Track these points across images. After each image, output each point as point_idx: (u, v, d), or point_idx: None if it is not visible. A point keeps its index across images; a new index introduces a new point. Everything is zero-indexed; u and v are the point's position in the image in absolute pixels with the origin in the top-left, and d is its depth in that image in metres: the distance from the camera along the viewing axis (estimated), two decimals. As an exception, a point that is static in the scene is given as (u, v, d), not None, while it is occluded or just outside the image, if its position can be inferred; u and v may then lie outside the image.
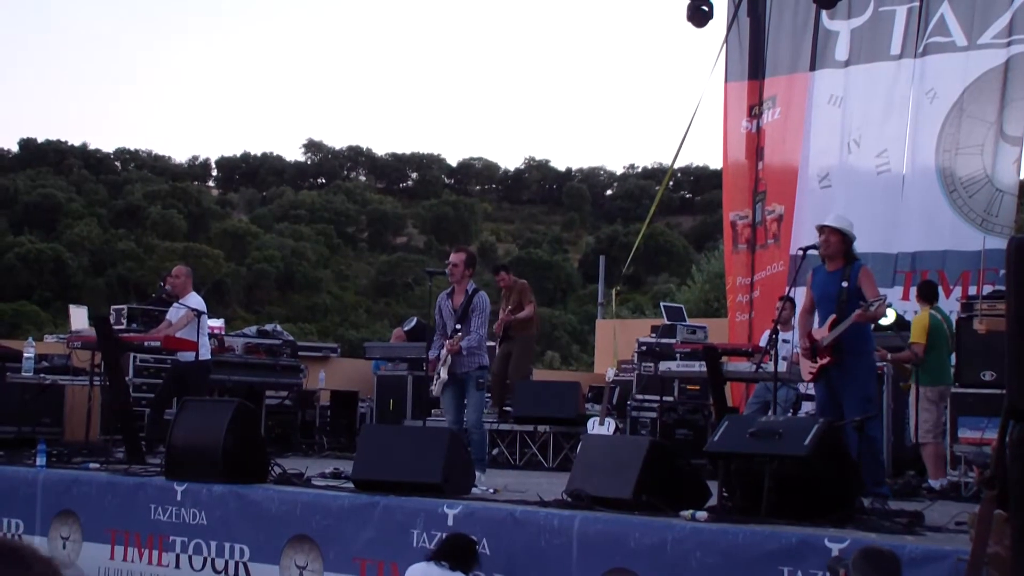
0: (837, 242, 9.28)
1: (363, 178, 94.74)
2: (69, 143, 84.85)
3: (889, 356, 11.46)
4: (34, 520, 10.08)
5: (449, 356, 10.12)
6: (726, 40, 16.83)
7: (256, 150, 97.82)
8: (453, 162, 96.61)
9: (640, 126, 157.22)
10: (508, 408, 14.39)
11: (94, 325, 12.00)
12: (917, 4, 15.12)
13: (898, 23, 15.26)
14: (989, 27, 14.47)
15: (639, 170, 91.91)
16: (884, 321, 11.34)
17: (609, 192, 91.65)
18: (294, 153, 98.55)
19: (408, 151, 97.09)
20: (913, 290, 14.22)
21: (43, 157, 79.65)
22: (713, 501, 7.85)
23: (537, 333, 15.60)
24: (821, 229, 9.42)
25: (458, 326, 10.19)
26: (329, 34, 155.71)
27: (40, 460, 10.43)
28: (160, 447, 10.75)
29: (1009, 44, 14.34)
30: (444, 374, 10.18)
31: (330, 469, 10.48)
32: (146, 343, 12.10)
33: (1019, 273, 5.45)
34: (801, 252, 10.05)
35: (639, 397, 14.61)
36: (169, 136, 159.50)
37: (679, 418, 13.93)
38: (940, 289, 12.98)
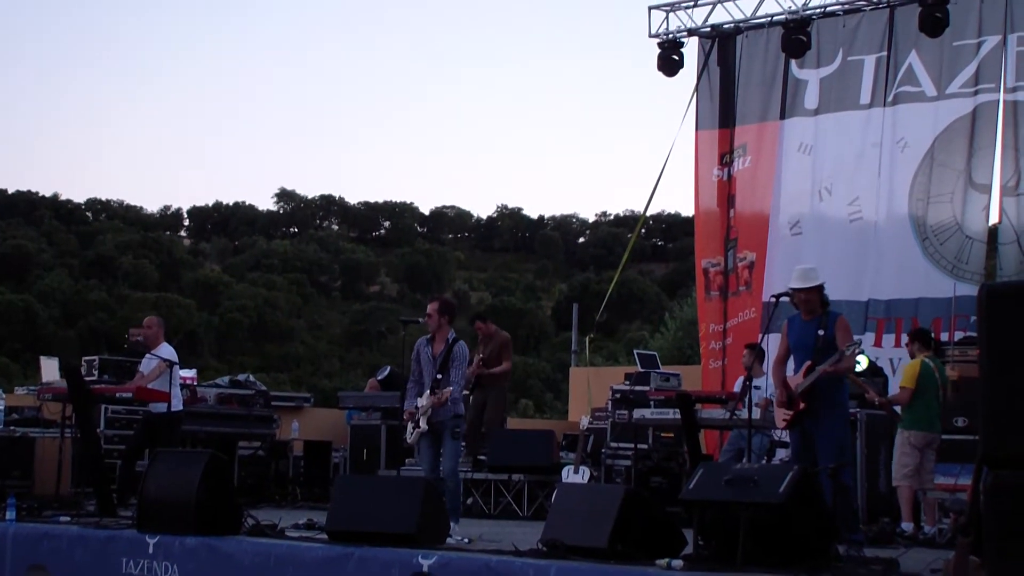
0: (816, 297, 9.37)
1: (336, 227, 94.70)
2: (40, 193, 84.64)
3: (878, 400, 11.44)
4: (3, 575, 9.96)
5: (430, 407, 10.11)
6: (696, 89, 17.00)
7: (228, 199, 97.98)
8: (426, 210, 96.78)
9: (612, 174, 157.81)
10: (482, 457, 14.34)
11: (65, 376, 11.93)
12: (885, 54, 15.30)
13: (867, 72, 15.44)
14: (956, 76, 14.67)
15: (611, 218, 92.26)
16: (857, 368, 11.39)
17: (582, 240, 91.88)
18: (266, 202, 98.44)
19: (381, 200, 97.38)
20: (886, 337, 14.34)
21: (13, 208, 79.30)
22: (688, 549, 7.83)
23: (509, 381, 15.57)
24: (798, 292, 9.44)
25: (439, 375, 10.18)
26: (300, 83, 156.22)
27: (10, 514, 10.30)
28: (132, 499, 10.66)
29: (976, 93, 14.54)
30: (424, 424, 10.16)
31: (304, 520, 10.43)
32: (117, 394, 12.03)
33: (991, 320, 5.49)
34: (774, 299, 10.10)
35: (613, 445, 14.59)
36: (141, 186, 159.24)
37: (654, 466, 13.90)
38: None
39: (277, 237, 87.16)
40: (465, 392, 13.35)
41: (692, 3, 16.62)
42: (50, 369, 13.59)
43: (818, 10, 15.76)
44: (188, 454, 10.82)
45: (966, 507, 5.40)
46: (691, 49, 16.95)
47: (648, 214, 23.36)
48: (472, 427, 14.35)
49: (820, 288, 9.36)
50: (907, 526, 10.86)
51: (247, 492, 13.70)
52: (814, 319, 9.32)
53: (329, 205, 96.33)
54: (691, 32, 16.81)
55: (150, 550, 9.15)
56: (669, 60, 16.71)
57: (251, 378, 16.38)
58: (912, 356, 11.54)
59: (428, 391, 10.22)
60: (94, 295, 64.44)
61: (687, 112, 17.04)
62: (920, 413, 11.08)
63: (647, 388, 14.61)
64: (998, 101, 14.42)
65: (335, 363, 64.56)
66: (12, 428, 13.66)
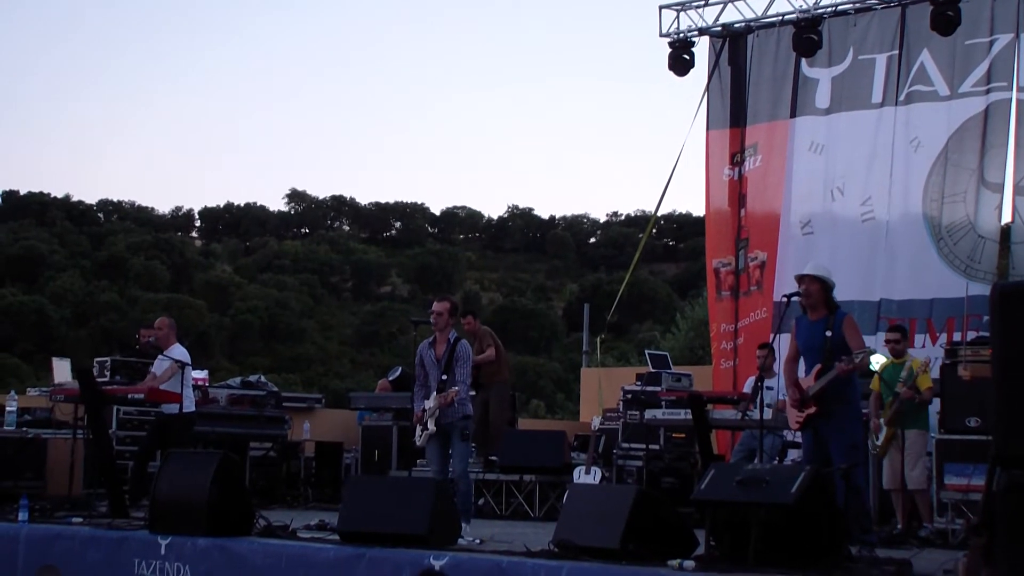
0: (818, 291, 9.28)
1: (347, 228, 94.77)
2: (52, 195, 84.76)
3: (917, 397, 11.12)
4: None
5: (438, 408, 10.11)
6: (707, 88, 16.95)
7: (239, 200, 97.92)
8: (436, 211, 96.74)
9: (623, 174, 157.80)
10: (493, 457, 14.34)
11: (77, 378, 11.94)
12: (896, 52, 15.25)
13: (878, 71, 15.39)
14: (969, 75, 14.61)
15: (622, 218, 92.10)
16: (874, 368, 11.33)
17: (592, 240, 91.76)
18: (277, 203, 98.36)
19: (391, 200, 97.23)
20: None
21: (25, 209, 79.47)
22: (700, 550, 7.82)
23: (510, 378, 15.58)
24: (800, 279, 9.42)
25: (444, 376, 10.19)
26: (311, 84, 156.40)
27: (22, 515, 10.33)
28: (144, 500, 10.67)
29: (988, 92, 14.48)
30: (432, 426, 10.16)
31: (315, 521, 10.44)
32: (130, 395, 12.04)
33: (1004, 319, 5.47)
34: (785, 299, 10.06)
35: (625, 445, 14.57)
36: (152, 187, 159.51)
37: (665, 466, 13.89)
38: (928, 337, 13.10)
39: (288, 238, 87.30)
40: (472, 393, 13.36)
41: (703, 2, 16.58)
42: (62, 370, 13.61)
43: (829, 9, 15.70)
44: (200, 455, 10.82)
45: (979, 508, 5.38)
46: (702, 48, 16.92)
47: (659, 214, 23.36)
48: (479, 428, 14.37)
49: (824, 284, 9.30)
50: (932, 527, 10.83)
51: (259, 493, 13.70)
52: (821, 320, 9.27)
53: (340, 206, 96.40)
54: (702, 31, 16.77)
55: (162, 551, 9.18)
56: (680, 60, 16.67)
57: (262, 379, 16.41)
58: (899, 354, 11.40)
59: (435, 392, 10.23)
60: (105, 296, 64.54)
61: (698, 112, 17.01)
62: (931, 413, 11.03)
63: (658, 388, 14.60)
64: (1011, 100, 14.35)
65: (346, 364, 64.62)
66: (24, 429, 13.68)
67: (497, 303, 71.65)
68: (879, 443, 11.14)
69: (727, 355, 16.53)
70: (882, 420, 11.10)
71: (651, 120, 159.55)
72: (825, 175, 15.80)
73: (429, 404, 10.24)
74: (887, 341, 11.75)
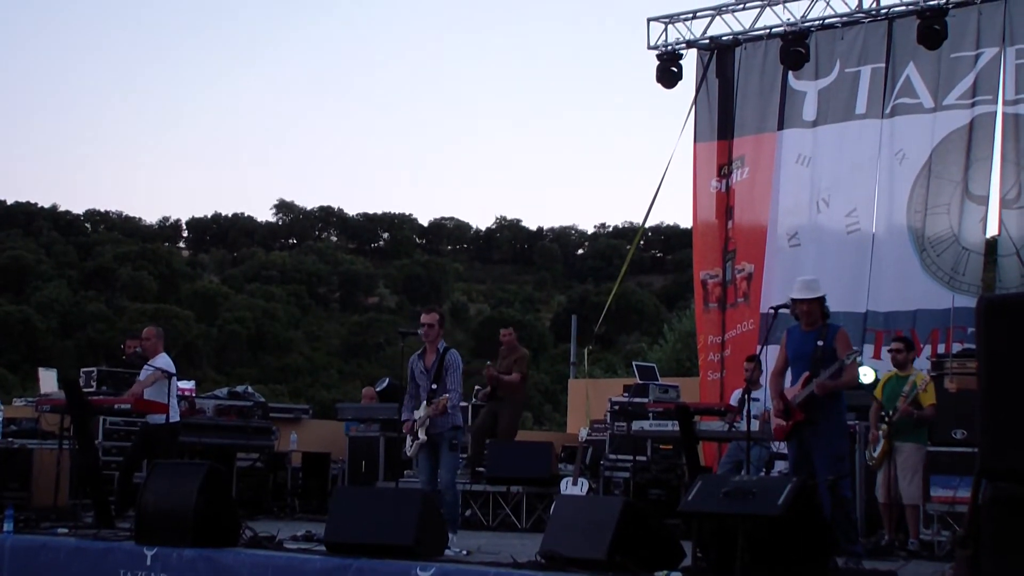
0: (817, 308, 9.39)
1: (334, 238, 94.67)
2: (38, 205, 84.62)
3: (915, 413, 11.12)
4: (1, 587, 9.95)
5: (428, 418, 10.12)
6: (695, 101, 17.00)
7: (227, 211, 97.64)
8: (424, 222, 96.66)
9: (611, 186, 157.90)
10: (481, 469, 14.34)
11: (63, 388, 11.92)
12: (882, 65, 15.31)
13: (865, 84, 15.45)
14: (954, 88, 14.67)
15: (610, 229, 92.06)
16: (865, 380, 11.34)
17: (580, 251, 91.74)
18: (265, 214, 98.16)
19: (379, 211, 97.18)
20: (885, 350, 14.32)
21: (12, 219, 79.25)
22: (687, 561, 7.84)
23: (525, 398, 15.63)
24: (800, 302, 9.46)
25: (434, 386, 10.20)
26: (299, 94, 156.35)
27: (7, 525, 10.30)
28: (130, 511, 10.65)
29: (973, 105, 14.53)
30: (423, 435, 10.16)
31: (302, 532, 10.42)
32: (116, 406, 12.02)
33: (989, 332, 5.49)
34: (772, 311, 10.10)
35: (612, 457, 14.58)
36: (139, 197, 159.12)
37: (652, 478, 13.90)
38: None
39: (276, 248, 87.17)
40: (464, 404, 13.34)
41: (691, 15, 16.64)
42: (48, 380, 13.57)
43: (816, 22, 15.77)
44: (186, 466, 10.81)
45: (965, 520, 5.39)
46: (690, 61, 16.97)
47: (647, 226, 23.37)
48: (481, 434, 14.40)
49: (822, 299, 9.39)
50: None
51: (245, 504, 13.67)
52: (814, 330, 9.34)
53: (328, 216, 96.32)
54: (690, 44, 16.82)
55: (148, 562, 9.15)
56: (668, 72, 16.71)
57: (249, 389, 16.37)
58: (901, 365, 11.38)
59: (424, 402, 10.24)
60: (92, 306, 64.39)
61: (685, 124, 17.05)
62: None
63: (646, 400, 14.61)
64: (995, 113, 14.41)
65: (333, 375, 64.50)
66: (10, 440, 13.64)
67: (484, 314, 71.55)
68: (875, 455, 11.14)
69: (714, 367, 16.56)
70: (880, 433, 11.09)
71: (639, 132, 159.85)
72: (811, 187, 15.85)
73: (420, 413, 10.25)
74: (891, 351, 11.71)
